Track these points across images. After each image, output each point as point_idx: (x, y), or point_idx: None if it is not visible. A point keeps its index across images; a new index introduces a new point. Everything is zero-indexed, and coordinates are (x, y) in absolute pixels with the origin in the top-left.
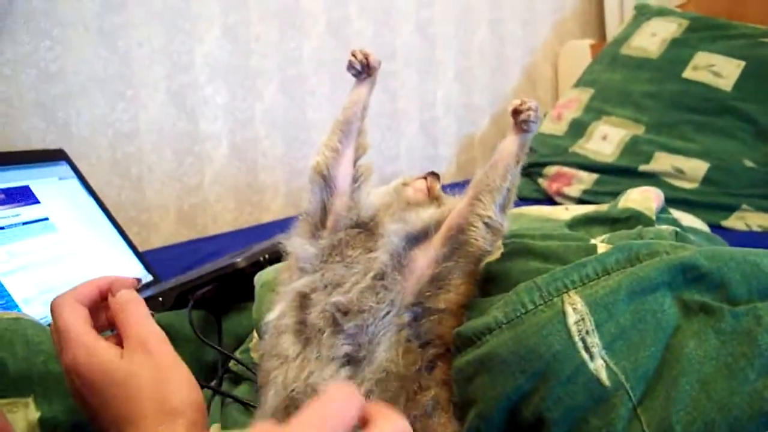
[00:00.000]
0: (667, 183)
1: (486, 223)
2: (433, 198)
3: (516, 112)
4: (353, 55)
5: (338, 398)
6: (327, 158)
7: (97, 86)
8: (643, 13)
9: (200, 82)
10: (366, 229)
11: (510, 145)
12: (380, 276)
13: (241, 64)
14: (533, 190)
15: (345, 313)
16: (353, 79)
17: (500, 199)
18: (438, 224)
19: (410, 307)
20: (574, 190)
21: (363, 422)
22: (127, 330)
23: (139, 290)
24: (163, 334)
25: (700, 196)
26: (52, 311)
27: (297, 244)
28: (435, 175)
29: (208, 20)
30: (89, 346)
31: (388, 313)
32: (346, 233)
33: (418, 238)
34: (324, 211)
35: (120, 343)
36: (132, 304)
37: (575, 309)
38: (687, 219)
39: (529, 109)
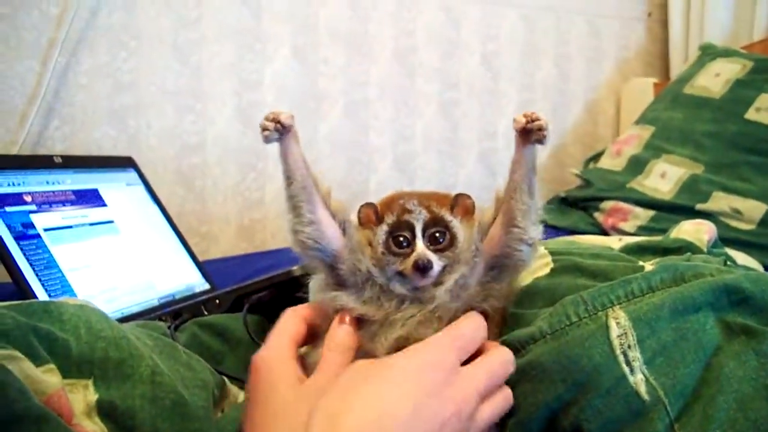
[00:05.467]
0: (724, 223)
1: (528, 245)
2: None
3: (525, 131)
4: (264, 128)
5: (470, 324)
6: (309, 233)
7: (168, 98)
8: (708, 54)
9: (267, 101)
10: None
11: (526, 160)
12: (436, 308)
13: (308, 86)
14: (589, 224)
15: (405, 339)
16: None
17: (534, 216)
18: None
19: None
20: (630, 226)
21: (480, 350)
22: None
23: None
24: None
25: (757, 237)
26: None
27: (344, 301)
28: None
29: (279, 41)
30: (284, 358)
31: None
32: (370, 290)
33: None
34: (340, 276)
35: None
36: (346, 354)
37: (619, 323)
38: (741, 258)
39: (540, 128)
